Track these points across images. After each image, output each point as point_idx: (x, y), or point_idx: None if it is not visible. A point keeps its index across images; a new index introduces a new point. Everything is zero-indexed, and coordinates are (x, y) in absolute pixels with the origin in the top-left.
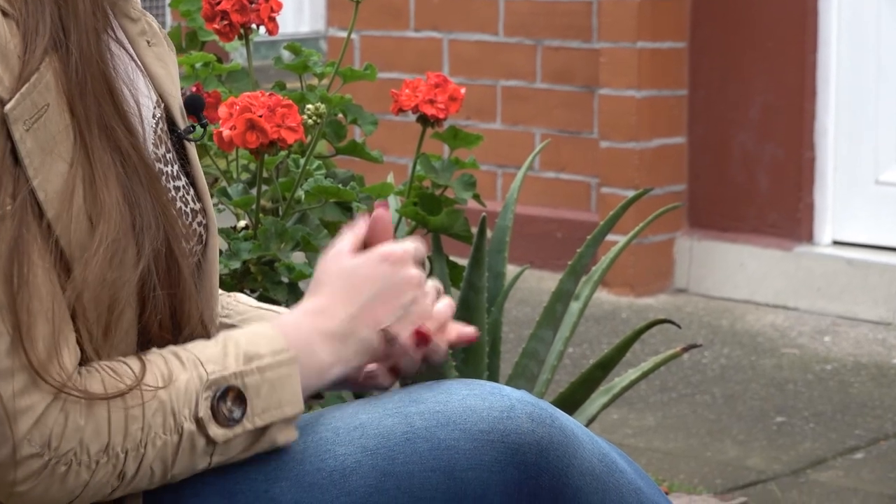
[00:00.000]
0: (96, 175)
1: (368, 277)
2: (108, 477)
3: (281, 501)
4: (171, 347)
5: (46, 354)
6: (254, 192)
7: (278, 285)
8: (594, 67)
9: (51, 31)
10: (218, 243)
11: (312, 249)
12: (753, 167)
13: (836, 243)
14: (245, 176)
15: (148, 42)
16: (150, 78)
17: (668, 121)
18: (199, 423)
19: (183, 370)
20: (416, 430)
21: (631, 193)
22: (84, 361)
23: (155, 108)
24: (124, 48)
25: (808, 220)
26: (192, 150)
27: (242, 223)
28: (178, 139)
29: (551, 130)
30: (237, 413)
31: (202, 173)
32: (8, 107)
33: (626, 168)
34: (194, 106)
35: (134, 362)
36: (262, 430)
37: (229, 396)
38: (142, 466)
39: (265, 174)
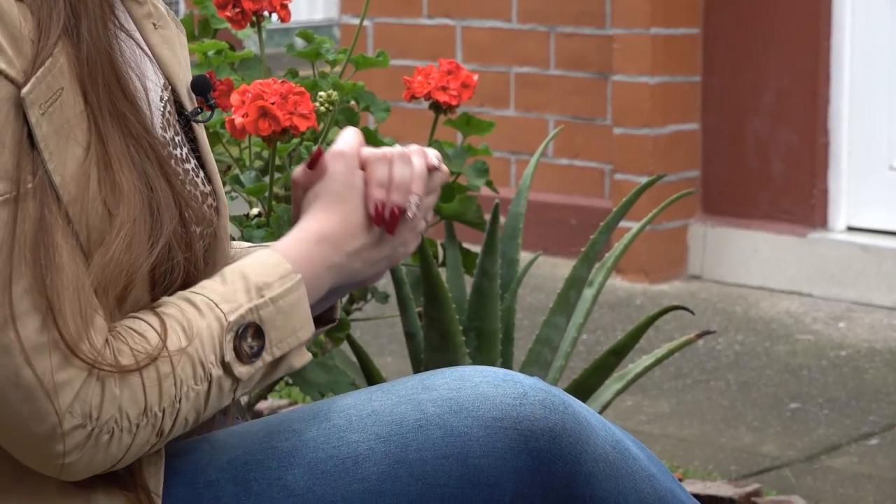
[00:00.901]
0: (112, 160)
1: (351, 186)
2: (148, 436)
3: (294, 488)
4: (181, 293)
5: (77, 331)
6: (266, 179)
7: None
8: (608, 54)
9: (65, 16)
10: (228, 225)
11: None
12: (767, 153)
13: (850, 229)
14: (258, 163)
15: (154, 25)
16: (157, 61)
17: (682, 107)
18: (225, 366)
19: (200, 316)
20: (429, 417)
21: (644, 180)
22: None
23: (162, 91)
24: (129, 34)
25: (822, 206)
26: (200, 132)
27: (255, 211)
28: (186, 122)
29: (564, 117)
30: (255, 347)
31: (212, 155)
32: (24, 90)
33: (640, 154)
34: (201, 87)
35: (152, 318)
36: (279, 358)
37: (248, 332)
38: (178, 419)
39: (278, 161)
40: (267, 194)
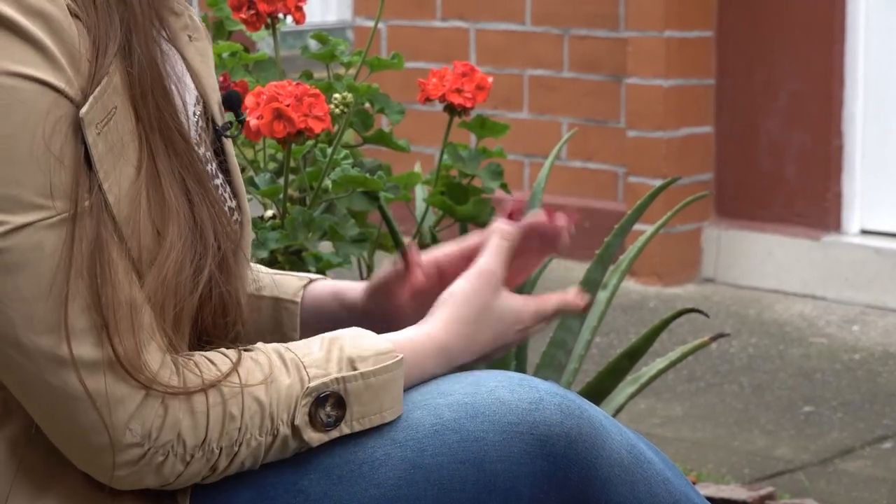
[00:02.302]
0: (162, 179)
1: (497, 332)
2: (201, 468)
3: (310, 493)
4: (275, 345)
5: (131, 349)
6: (281, 181)
7: None
8: (621, 56)
9: (122, 36)
10: (250, 240)
11: (339, 239)
12: (781, 156)
13: (864, 232)
14: (272, 165)
15: (190, 37)
16: (192, 73)
17: (696, 110)
18: (294, 429)
19: (285, 372)
20: (445, 422)
21: (658, 182)
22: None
23: (196, 105)
24: (176, 48)
25: (836, 209)
26: (229, 147)
27: (270, 213)
28: (216, 136)
29: (578, 120)
30: (333, 418)
31: (238, 170)
32: (83, 111)
33: (654, 157)
34: (232, 102)
35: (232, 353)
36: None
37: (329, 402)
38: (234, 462)
39: (292, 164)
40: (281, 196)
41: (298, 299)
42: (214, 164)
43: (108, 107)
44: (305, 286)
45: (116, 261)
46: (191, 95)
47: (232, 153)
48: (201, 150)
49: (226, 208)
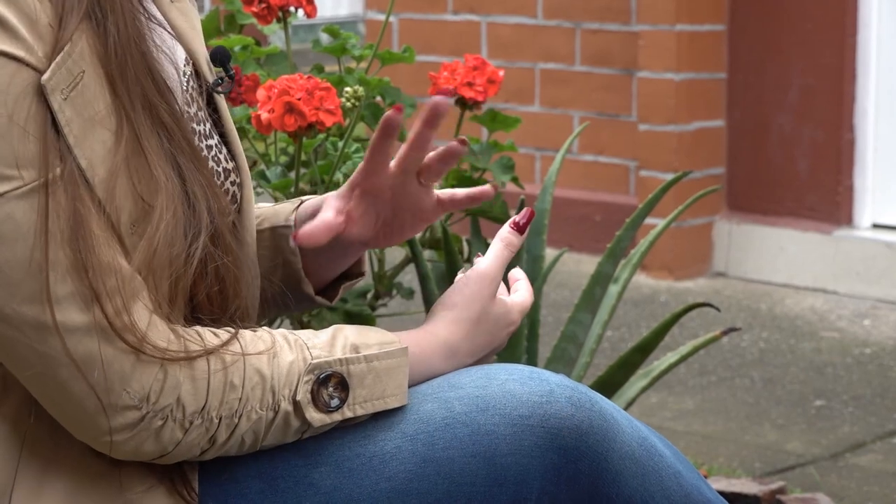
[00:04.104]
0: (147, 155)
1: (493, 334)
2: (199, 439)
3: (320, 486)
4: (281, 330)
5: (118, 313)
6: (292, 175)
7: None
8: (633, 50)
9: (87, 4)
10: (253, 199)
11: None
12: (792, 150)
13: (875, 226)
14: (283, 159)
15: None
16: (177, 34)
17: (707, 104)
18: (296, 405)
19: (289, 349)
20: (456, 415)
21: (670, 176)
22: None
23: (184, 65)
24: (154, 18)
25: (847, 203)
26: (222, 103)
27: None
28: (208, 94)
29: (590, 113)
30: (337, 400)
31: (234, 128)
32: (44, 77)
33: (665, 151)
34: (220, 57)
35: (233, 327)
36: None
37: (331, 382)
38: (234, 435)
39: (303, 157)
40: (293, 190)
41: (291, 222)
42: (209, 125)
43: (73, 72)
44: (297, 208)
45: (94, 227)
46: (179, 58)
47: (226, 111)
48: (192, 110)
49: (220, 169)
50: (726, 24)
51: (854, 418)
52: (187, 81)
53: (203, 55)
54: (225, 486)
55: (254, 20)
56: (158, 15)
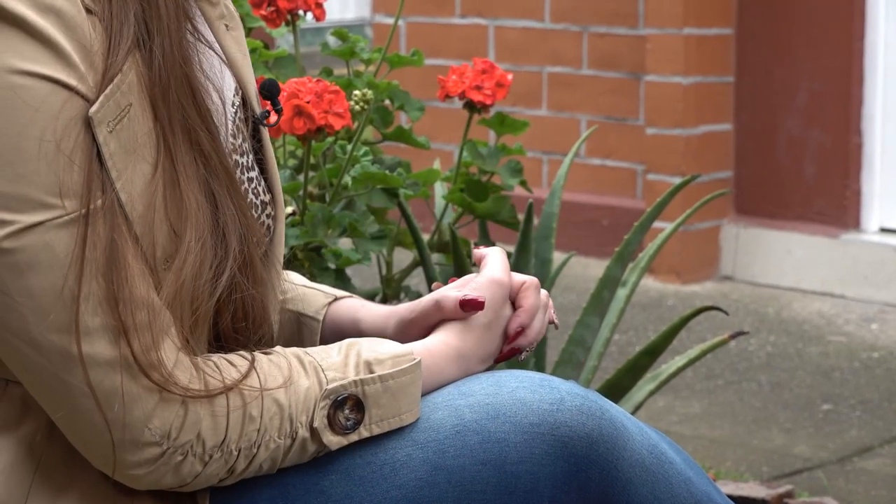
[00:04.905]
0: (180, 178)
1: (502, 339)
2: (219, 470)
3: (331, 494)
4: (294, 349)
5: (146, 350)
6: (301, 178)
7: (325, 271)
8: (640, 54)
9: (134, 31)
10: (283, 232)
11: (359, 235)
12: (800, 154)
13: (883, 230)
14: (292, 162)
15: (227, 26)
16: (229, 62)
17: (715, 107)
18: (313, 431)
19: (304, 375)
20: (467, 423)
21: (677, 180)
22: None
23: (234, 95)
24: (209, 45)
25: (855, 207)
26: (265, 135)
27: (289, 209)
28: (253, 126)
29: (597, 117)
30: (352, 421)
31: (275, 162)
32: (92, 109)
33: (673, 155)
34: (270, 90)
35: (250, 355)
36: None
37: (347, 405)
38: (252, 463)
39: (312, 160)
40: (301, 193)
41: (321, 318)
42: (251, 157)
43: (121, 104)
44: (330, 304)
45: (131, 262)
46: (229, 87)
47: (269, 143)
48: (238, 142)
49: (258, 202)
50: (734, 27)
51: (861, 422)
52: (235, 112)
53: (252, 86)
54: (236, 494)
55: (262, 23)
56: (210, 36)
